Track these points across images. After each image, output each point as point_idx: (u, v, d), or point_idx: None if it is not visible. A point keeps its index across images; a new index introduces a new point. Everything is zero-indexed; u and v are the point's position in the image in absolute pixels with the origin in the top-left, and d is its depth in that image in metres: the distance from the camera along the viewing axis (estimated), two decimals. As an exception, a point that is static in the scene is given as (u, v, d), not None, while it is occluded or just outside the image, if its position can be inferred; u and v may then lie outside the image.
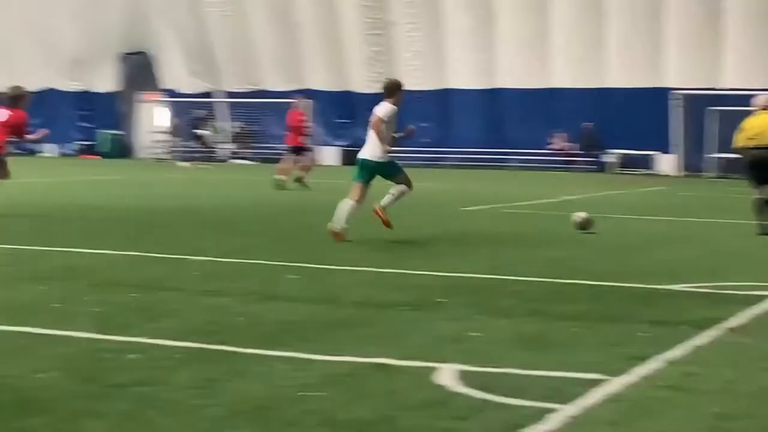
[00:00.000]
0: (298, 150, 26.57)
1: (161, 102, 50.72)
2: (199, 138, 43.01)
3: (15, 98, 16.48)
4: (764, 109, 15.69)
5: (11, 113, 16.16)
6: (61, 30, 50.27)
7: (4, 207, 15.53)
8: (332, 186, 26.86)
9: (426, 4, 44.64)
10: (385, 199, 13.77)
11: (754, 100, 16.02)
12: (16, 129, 16.26)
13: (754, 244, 14.33)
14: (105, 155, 48.34)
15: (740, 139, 15.77)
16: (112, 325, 7.28)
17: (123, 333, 6.99)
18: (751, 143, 15.46)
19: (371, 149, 13.81)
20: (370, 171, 13.75)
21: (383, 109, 13.79)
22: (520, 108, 42.44)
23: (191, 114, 44.48)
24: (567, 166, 42.28)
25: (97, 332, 6.98)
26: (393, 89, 14.13)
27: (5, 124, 16.03)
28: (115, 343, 6.70)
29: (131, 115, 51.90)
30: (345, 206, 13.45)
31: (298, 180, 25.60)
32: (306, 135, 27.19)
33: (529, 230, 15.73)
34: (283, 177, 25.58)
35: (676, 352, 6.74)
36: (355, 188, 13.64)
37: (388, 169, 13.94)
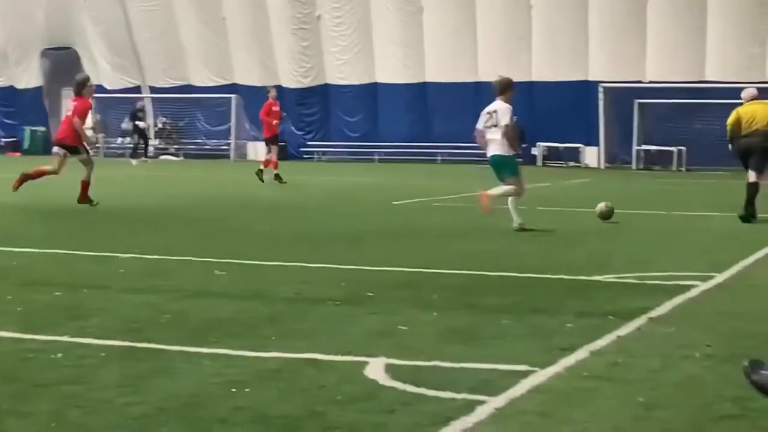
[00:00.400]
0: (272, 141, 26.76)
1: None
2: (140, 130, 42.46)
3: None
4: (751, 102, 16.85)
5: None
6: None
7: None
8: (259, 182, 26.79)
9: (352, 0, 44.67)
10: (497, 191, 14.61)
11: (743, 94, 17.04)
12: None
13: (676, 234, 14.54)
14: (28, 152, 47.67)
15: (738, 128, 16.65)
16: (36, 324, 7.18)
17: (47, 332, 6.89)
18: (744, 132, 16.54)
19: (500, 147, 14.56)
20: (499, 166, 14.72)
21: (505, 112, 14.42)
22: (447, 102, 42.63)
23: (134, 105, 43.85)
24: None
25: (21, 332, 6.88)
26: (506, 87, 14.70)
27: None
28: (40, 342, 6.60)
29: (56, 111, 51.21)
30: (512, 205, 14.39)
31: (257, 173, 26.35)
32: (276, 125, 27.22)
33: (459, 223, 15.81)
34: (261, 168, 26.41)
35: (602, 342, 6.81)
36: (512, 182, 14.56)
37: (507, 168, 14.83)
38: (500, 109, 14.52)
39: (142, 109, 43.63)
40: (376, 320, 7.55)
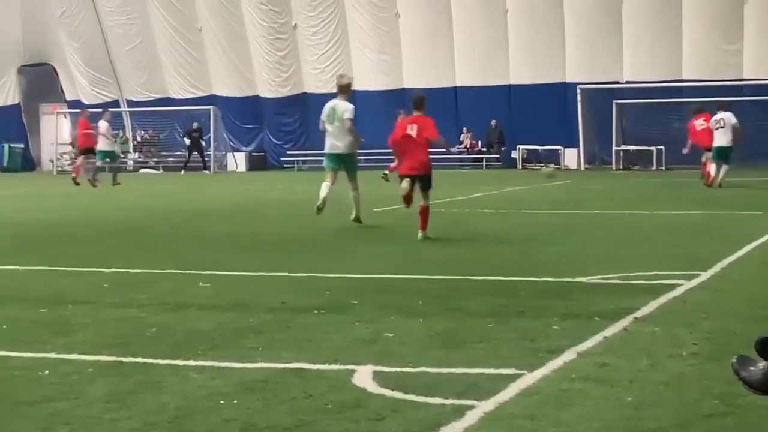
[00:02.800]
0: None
1: (65, 113, 49.98)
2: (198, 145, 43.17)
3: None
4: None
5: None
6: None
7: None
8: (239, 191, 26.76)
9: (328, 8, 44.70)
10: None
11: None
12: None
13: (658, 233, 14.58)
14: (7, 169, 47.46)
15: None
16: (21, 341, 7.15)
17: (33, 349, 6.86)
18: None
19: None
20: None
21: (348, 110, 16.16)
22: (426, 107, 42.65)
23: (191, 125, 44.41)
24: (475, 163, 42.61)
25: (7, 350, 6.84)
26: (346, 88, 16.59)
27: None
28: (25, 359, 6.58)
29: (34, 127, 51.03)
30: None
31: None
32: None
33: (441, 228, 15.81)
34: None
35: (589, 343, 6.83)
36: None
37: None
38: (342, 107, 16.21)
39: (199, 129, 43.89)
40: (361, 328, 7.54)
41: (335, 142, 16.36)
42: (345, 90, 16.76)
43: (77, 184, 30.48)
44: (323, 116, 16.47)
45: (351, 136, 16.39)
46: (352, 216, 16.06)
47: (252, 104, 46.37)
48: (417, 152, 14.35)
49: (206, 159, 43.17)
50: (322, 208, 16.00)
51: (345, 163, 16.45)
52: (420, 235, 13.92)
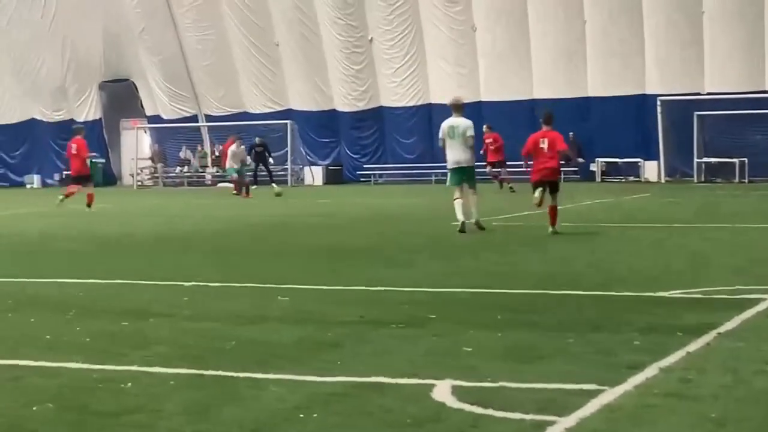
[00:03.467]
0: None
1: (144, 128, 50.73)
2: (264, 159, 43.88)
3: None
4: None
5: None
6: (43, 60, 50.21)
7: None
8: (314, 204, 26.90)
9: (405, 21, 44.79)
10: None
11: None
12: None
13: (740, 247, 14.35)
14: (89, 184, 48.19)
15: None
16: (104, 354, 7.23)
17: (115, 362, 6.94)
18: None
19: None
20: None
21: None
22: (503, 120, 42.42)
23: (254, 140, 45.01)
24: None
25: (90, 362, 6.92)
26: None
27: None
28: (108, 372, 6.65)
29: (115, 142, 51.82)
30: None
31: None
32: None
33: (518, 242, 15.74)
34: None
35: (671, 359, 6.72)
36: None
37: None
38: None
39: (262, 144, 44.49)
40: (439, 342, 7.51)
41: (458, 157, 17.51)
42: (460, 108, 17.86)
43: (237, 194, 33.85)
44: (443, 134, 17.61)
45: (472, 151, 17.68)
46: (473, 220, 17.19)
47: (328, 118, 46.63)
48: (548, 162, 16.54)
49: (272, 172, 43.70)
50: (464, 229, 16.82)
51: (467, 175, 17.64)
52: (550, 230, 16.19)
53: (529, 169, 17.55)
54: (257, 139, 42.89)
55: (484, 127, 34.50)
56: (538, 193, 16.34)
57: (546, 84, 42.52)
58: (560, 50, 42.10)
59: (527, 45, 42.74)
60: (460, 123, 17.49)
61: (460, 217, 16.97)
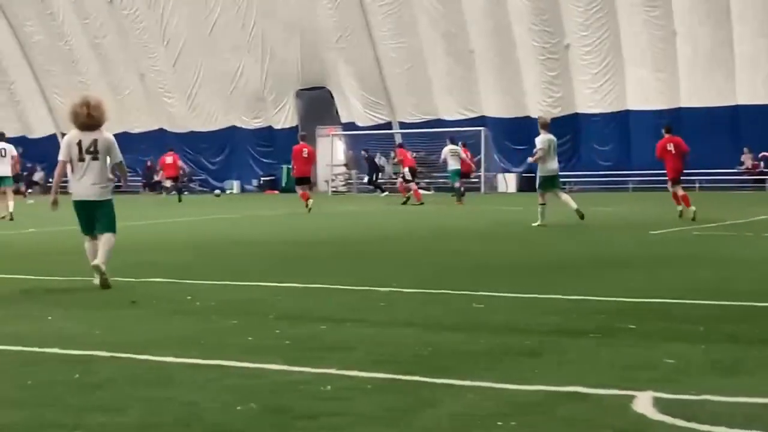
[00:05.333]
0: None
1: (339, 135, 51.62)
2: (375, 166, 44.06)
3: None
4: None
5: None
6: (243, 69, 51.75)
7: (180, 243, 15.95)
8: (510, 212, 26.78)
9: (602, 27, 44.19)
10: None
11: None
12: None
13: None
14: (285, 189, 49.39)
15: None
16: (303, 356, 7.36)
17: (314, 364, 7.05)
18: None
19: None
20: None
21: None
22: (703, 127, 41.34)
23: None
24: (757, 185, 41.01)
25: (290, 364, 7.06)
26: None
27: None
28: (307, 374, 6.76)
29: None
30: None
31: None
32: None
33: (721, 252, 15.29)
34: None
35: None
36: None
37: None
38: None
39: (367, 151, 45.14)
40: (639, 353, 7.35)
41: (554, 166, 22.21)
42: (548, 126, 22.52)
43: (407, 201, 34.62)
44: (547, 146, 21.97)
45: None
46: (574, 207, 21.74)
47: (522, 125, 46.41)
48: (676, 163, 23.31)
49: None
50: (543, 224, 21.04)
51: (557, 180, 22.73)
52: (689, 211, 22.32)
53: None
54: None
55: (459, 143, 36.08)
56: (671, 187, 23.10)
57: (751, 89, 41.19)
58: (765, 54, 40.73)
59: (731, 48, 41.49)
60: (554, 139, 22.29)
61: (543, 218, 21.35)
